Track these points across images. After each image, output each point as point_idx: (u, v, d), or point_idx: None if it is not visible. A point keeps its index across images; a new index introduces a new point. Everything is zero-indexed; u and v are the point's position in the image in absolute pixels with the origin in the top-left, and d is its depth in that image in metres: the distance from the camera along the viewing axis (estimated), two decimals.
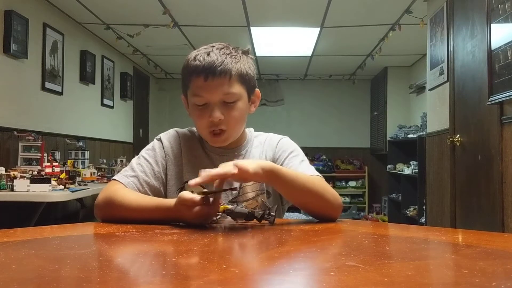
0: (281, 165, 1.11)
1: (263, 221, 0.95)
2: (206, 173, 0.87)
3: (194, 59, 1.05)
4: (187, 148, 1.16)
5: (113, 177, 1.10)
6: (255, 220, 0.95)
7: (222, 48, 1.06)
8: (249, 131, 1.23)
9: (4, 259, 0.64)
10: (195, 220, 0.90)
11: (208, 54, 1.04)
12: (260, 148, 1.19)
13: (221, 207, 0.93)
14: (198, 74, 1.04)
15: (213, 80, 1.03)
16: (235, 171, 0.87)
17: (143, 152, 1.15)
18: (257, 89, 1.16)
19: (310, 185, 0.99)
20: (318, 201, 1.00)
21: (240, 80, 1.07)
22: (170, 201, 0.94)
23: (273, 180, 0.97)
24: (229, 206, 0.94)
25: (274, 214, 0.96)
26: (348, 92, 7.05)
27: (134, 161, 1.13)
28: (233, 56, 1.06)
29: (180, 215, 0.91)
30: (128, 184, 1.06)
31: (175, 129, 1.20)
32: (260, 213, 0.94)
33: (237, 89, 1.07)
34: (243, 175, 0.89)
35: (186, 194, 0.89)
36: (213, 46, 1.07)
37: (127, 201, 0.99)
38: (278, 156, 1.15)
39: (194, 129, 1.20)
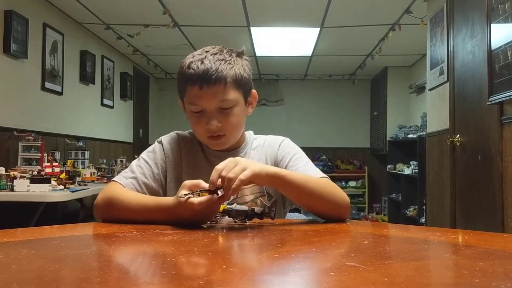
0: (285, 167, 1.11)
1: (264, 219, 0.96)
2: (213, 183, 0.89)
3: (189, 67, 1.04)
4: (187, 151, 1.16)
5: (113, 179, 1.11)
6: (254, 220, 0.95)
7: (216, 54, 1.05)
8: (249, 133, 1.23)
9: (4, 259, 0.64)
10: (194, 220, 0.90)
11: (202, 62, 1.03)
12: (260, 150, 1.18)
13: (221, 207, 0.93)
14: (193, 82, 1.03)
15: (208, 88, 1.02)
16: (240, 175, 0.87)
17: (144, 154, 1.15)
18: (253, 90, 1.15)
19: (320, 189, 0.99)
20: (328, 204, 1.00)
21: (235, 86, 1.06)
22: (169, 200, 0.94)
23: (279, 185, 0.97)
24: (228, 206, 0.94)
25: (274, 209, 0.96)
26: (348, 92, 7.05)
27: (134, 163, 1.13)
28: (227, 62, 1.05)
29: (178, 215, 0.91)
30: (127, 185, 1.07)
31: (176, 131, 1.21)
32: (260, 209, 0.94)
33: (233, 95, 1.06)
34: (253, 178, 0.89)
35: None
36: (207, 52, 1.06)
37: (126, 200, 0.99)
38: (281, 158, 1.15)
39: None
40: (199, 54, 1.06)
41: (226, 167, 0.89)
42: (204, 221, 0.93)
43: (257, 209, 0.95)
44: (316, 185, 1.00)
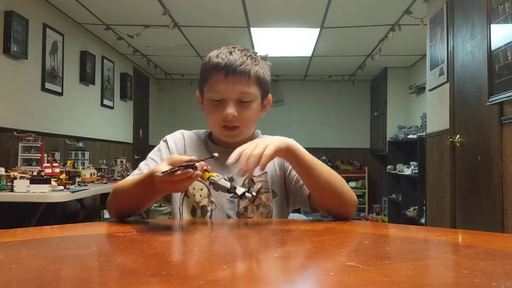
0: (292, 168, 1.14)
1: (243, 199, 0.97)
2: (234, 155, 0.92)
3: (217, 56, 1.10)
4: (191, 149, 1.19)
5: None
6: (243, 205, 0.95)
7: (243, 50, 1.12)
8: (257, 132, 1.26)
9: (4, 259, 0.64)
10: (167, 187, 0.90)
11: (231, 53, 1.10)
12: None
13: (206, 174, 0.92)
14: (219, 70, 1.08)
15: (233, 77, 1.07)
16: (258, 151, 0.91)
17: (150, 153, 1.19)
18: (269, 95, 1.20)
19: (332, 177, 1.02)
20: (336, 194, 1.02)
21: (257, 82, 1.11)
22: (149, 172, 0.96)
23: (293, 158, 1.00)
24: (214, 175, 0.93)
25: (254, 194, 0.98)
26: (348, 92, 7.05)
27: (142, 162, 1.18)
28: (253, 59, 1.11)
29: (156, 185, 0.91)
30: (132, 177, 1.10)
31: (181, 130, 1.24)
32: (242, 190, 0.94)
33: (254, 90, 1.11)
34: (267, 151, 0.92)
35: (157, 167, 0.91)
36: (234, 47, 1.12)
37: (124, 184, 1.04)
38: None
39: (201, 131, 1.24)
40: (227, 48, 1.12)
41: (248, 147, 0.93)
42: (177, 189, 0.95)
43: (238, 188, 0.94)
44: (329, 172, 1.03)
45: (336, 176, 1.04)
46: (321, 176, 1.01)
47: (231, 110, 1.08)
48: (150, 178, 0.91)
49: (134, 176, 1.12)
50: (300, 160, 1.00)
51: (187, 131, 1.25)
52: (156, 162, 1.14)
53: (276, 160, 1.17)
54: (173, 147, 1.18)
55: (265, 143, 0.93)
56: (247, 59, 1.09)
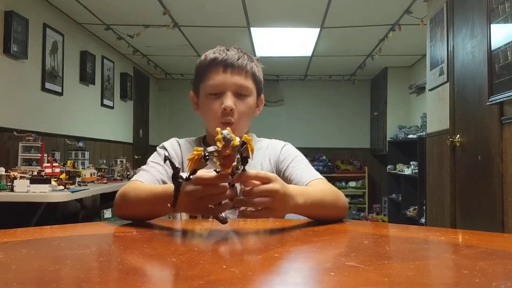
0: (286, 168, 1.16)
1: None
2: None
3: (213, 53, 1.15)
4: (186, 155, 1.19)
5: (131, 179, 1.13)
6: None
7: (238, 49, 1.17)
8: (252, 135, 1.25)
9: (4, 259, 0.64)
10: (197, 209, 0.82)
11: (228, 50, 1.15)
12: (263, 152, 1.21)
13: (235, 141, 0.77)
14: (217, 64, 1.12)
15: (231, 70, 1.12)
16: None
17: (150, 159, 1.18)
18: (262, 95, 1.24)
19: (325, 201, 0.99)
20: (329, 211, 1.00)
21: (252, 78, 1.16)
22: (170, 188, 0.84)
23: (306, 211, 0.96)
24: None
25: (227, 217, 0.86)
26: (348, 92, 7.05)
27: (144, 166, 1.16)
28: (249, 57, 1.17)
29: (181, 201, 0.81)
30: (144, 180, 1.08)
31: (175, 138, 1.26)
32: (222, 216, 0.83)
33: (250, 84, 1.15)
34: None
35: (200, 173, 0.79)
36: (229, 47, 1.17)
37: (138, 191, 0.97)
38: (283, 160, 1.19)
39: (191, 138, 1.26)
40: (220, 47, 1.17)
41: (273, 186, 0.82)
42: (208, 205, 0.80)
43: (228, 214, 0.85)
44: (320, 197, 0.99)
45: (326, 196, 1.00)
46: (316, 209, 0.96)
47: (229, 102, 1.10)
48: (166, 195, 0.84)
49: (142, 176, 1.09)
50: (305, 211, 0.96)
51: (180, 139, 1.25)
52: (159, 164, 1.13)
53: (272, 160, 1.19)
54: (172, 152, 1.19)
55: (282, 207, 0.85)
56: (243, 55, 1.15)
